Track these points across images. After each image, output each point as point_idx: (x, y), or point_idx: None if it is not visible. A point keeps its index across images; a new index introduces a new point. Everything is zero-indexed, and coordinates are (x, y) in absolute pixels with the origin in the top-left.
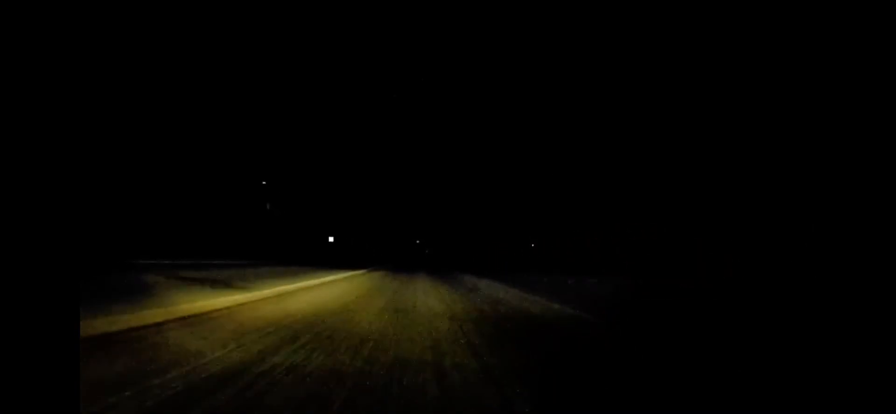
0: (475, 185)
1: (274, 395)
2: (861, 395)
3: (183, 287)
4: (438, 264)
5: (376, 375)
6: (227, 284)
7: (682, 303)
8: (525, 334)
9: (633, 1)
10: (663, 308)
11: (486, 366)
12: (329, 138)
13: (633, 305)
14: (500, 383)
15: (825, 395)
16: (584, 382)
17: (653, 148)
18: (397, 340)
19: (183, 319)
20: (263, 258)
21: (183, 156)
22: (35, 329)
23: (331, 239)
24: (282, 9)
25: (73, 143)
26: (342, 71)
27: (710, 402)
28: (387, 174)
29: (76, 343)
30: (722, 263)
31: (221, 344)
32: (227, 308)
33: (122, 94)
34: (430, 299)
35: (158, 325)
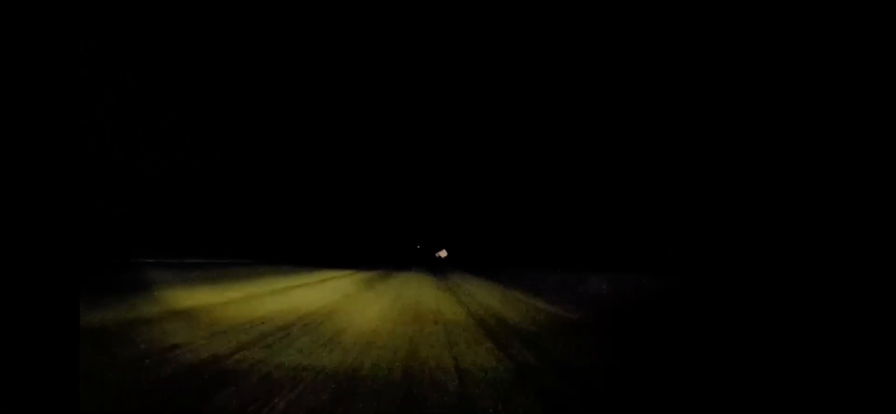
0: (480, 185)
1: None
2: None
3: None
4: (439, 269)
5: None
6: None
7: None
8: None
9: (630, 4)
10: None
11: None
12: (327, 138)
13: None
14: None
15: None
16: None
17: (654, 148)
18: None
19: None
20: (250, 255)
21: (175, 152)
22: (35, 328)
23: (328, 239)
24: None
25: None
26: (344, 71)
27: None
28: (386, 173)
29: (77, 342)
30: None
31: None
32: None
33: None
34: None
35: None
